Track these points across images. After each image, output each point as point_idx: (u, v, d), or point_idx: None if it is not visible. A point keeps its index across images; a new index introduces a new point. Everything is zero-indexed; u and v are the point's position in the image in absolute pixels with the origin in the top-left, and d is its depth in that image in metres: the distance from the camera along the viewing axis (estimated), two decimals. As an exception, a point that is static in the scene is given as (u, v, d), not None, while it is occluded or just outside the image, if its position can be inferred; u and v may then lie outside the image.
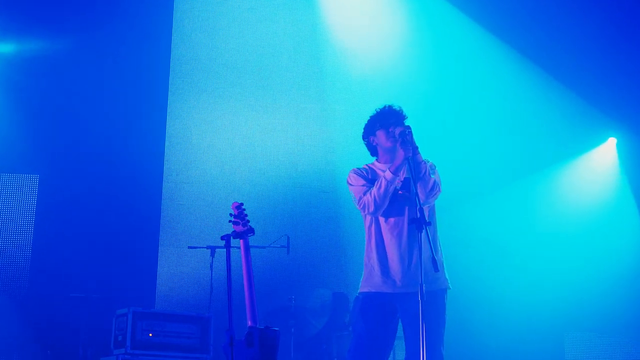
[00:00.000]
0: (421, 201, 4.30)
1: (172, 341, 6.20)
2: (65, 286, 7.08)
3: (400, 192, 4.47)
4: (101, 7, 7.95)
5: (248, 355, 4.28)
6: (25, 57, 7.67)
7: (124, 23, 7.89)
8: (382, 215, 4.50)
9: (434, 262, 4.05)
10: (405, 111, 4.66)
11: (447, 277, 4.49)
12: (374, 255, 4.51)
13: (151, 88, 7.94)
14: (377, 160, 4.73)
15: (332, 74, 8.57)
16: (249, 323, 4.37)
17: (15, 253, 7.39)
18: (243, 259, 4.48)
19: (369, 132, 4.70)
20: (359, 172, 4.62)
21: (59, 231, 7.35)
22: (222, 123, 8.16)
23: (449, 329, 4.47)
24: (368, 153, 4.79)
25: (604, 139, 9.19)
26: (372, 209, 4.44)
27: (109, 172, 7.59)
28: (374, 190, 4.43)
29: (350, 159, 7.79)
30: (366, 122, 4.73)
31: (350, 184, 4.60)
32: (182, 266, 7.71)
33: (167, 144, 7.94)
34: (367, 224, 4.59)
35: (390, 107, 4.66)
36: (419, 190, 4.32)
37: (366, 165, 4.71)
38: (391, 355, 6.71)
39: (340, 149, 8.27)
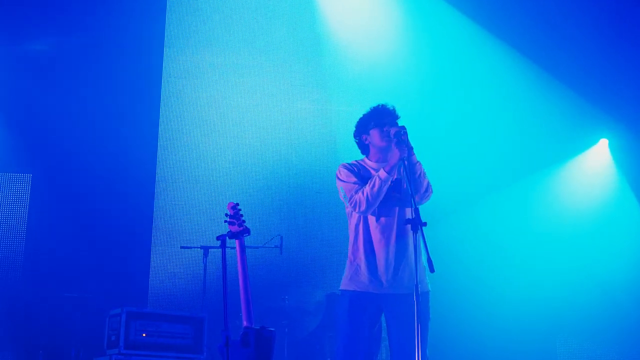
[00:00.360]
0: (415, 202, 4.32)
1: (165, 341, 6.18)
2: (58, 286, 7.06)
3: (393, 192, 4.47)
4: (92, 4, 7.93)
5: (244, 355, 4.28)
6: (16, 56, 7.63)
7: (115, 21, 7.86)
8: (372, 215, 4.49)
9: (430, 262, 4.07)
10: (403, 111, 4.68)
11: (427, 280, 4.51)
12: (360, 254, 4.51)
13: (144, 88, 7.91)
14: (367, 157, 4.72)
15: (328, 74, 8.57)
16: (245, 323, 4.37)
17: (8, 252, 7.36)
18: (239, 260, 4.47)
19: (362, 131, 4.69)
20: (349, 168, 4.61)
21: (51, 231, 7.33)
22: (215, 122, 8.14)
23: (445, 329, 4.48)
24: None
25: (595, 141, 9.19)
26: (363, 207, 4.43)
27: (102, 172, 7.57)
28: (367, 189, 4.42)
29: (345, 160, 7.80)
30: (358, 120, 4.73)
31: (341, 180, 4.59)
32: (174, 266, 7.70)
33: (159, 143, 7.93)
34: (354, 222, 4.58)
35: (384, 106, 4.66)
36: (413, 191, 4.33)
37: (355, 161, 4.71)
38: (383, 355, 6.73)
39: (334, 149, 8.27)
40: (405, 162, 4.37)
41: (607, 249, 8.56)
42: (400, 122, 4.58)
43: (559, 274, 8.53)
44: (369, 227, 4.52)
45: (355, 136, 4.75)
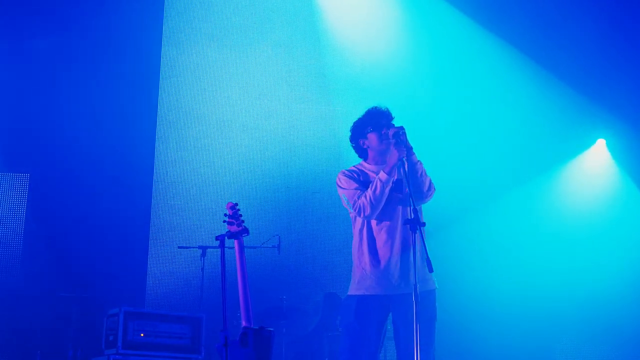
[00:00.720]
0: (418, 201, 4.32)
1: (163, 341, 6.18)
2: (55, 285, 7.04)
3: (395, 193, 4.47)
4: (91, 3, 7.93)
5: (242, 355, 4.28)
6: (13, 55, 7.62)
7: (112, 19, 7.85)
8: (375, 218, 4.49)
9: (428, 262, 4.08)
10: (402, 110, 4.67)
11: (434, 278, 4.51)
12: (365, 258, 4.50)
13: (141, 87, 7.90)
14: (365, 161, 4.71)
15: (326, 74, 8.56)
16: (244, 323, 4.36)
17: (6, 252, 7.35)
18: (237, 260, 4.47)
19: (358, 135, 4.67)
20: (349, 175, 4.59)
21: (49, 230, 7.32)
22: (213, 122, 8.14)
23: (445, 330, 4.49)
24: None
25: (592, 142, 9.17)
26: (368, 211, 4.43)
27: (100, 171, 7.55)
28: (369, 192, 4.41)
29: (342, 160, 7.80)
30: (353, 124, 4.71)
31: (342, 187, 4.57)
32: (172, 266, 7.69)
33: (157, 142, 7.92)
34: (358, 226, 4.57)
35: (378, 108, 4.64)
36: (416, 191, 4.33)
37: (354, 166, 4.69)
38: (382, 356, 6.73)
39: (332, 150, 8.27)
40: (406, 163, 4.36)
41: (615, 248, 8.52)
42: (399, 122, 4.56)
43: (568, 275, 8.46)
44: (372, 230, 4.52)
45: (351, 141, 4.73)
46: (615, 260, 8.48)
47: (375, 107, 4.64)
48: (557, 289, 8.45)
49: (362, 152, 4.70)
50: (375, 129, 4.58)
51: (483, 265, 8.41)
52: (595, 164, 9.08)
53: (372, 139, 4.61)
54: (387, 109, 4.62)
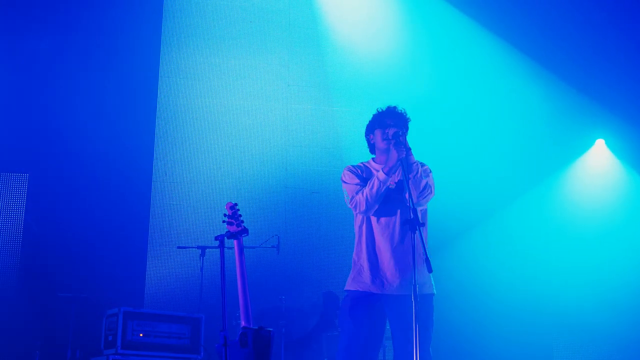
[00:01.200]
0: (414, 203, 4.31)
1: (162, 341, 6.19)
2: (54, 286, 7.03)
3: (396, 194, 4.47)
4: (90, 4, 7.92)
5: (242, 355, 4.27)
6: (12, 55, 7.61)
7: (112, 20, 7.87)
8: (374, 215, 4.52)
9: (427, 263, 4.07)
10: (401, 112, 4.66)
11: (432, 282, 4.51)
12: (363, 254, 4.53)
13: (140, 88, 7.91)
14: (373, 159, 4.74)
15: (327, 75, 8.55)
16: (243, 323, 4.36)
17: (5, 252, 7.34)
18: (237, 260, 4.46)
19: (369, 130, 4.74)
20: (353, 171, 4.65)
21: (48, 230, 7.31)
22: (212, 122, 8.14)
23: (446, 331, 4.46)
24: (359, 154, 4.82)
25: (591, 143, 9.14)
26: (363, 208, 4.47)
27: (99, 171, 7.56)
28: (366, 190, 4.45)
29: (342, 160, 7.81)
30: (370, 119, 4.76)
31: (344, 182, 4.63)
32: (171, 266, 7.68)
33: (156, 142, 7.92)
34: (358, 222, 4.61)
35: (390, 107, 4.67)
36: (412, 192, 4.33)
37: (362, 163, 4.74)
38: (381, 356, 6.73)
39: (331, 150, 8.26)
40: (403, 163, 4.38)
41: (627, 248, 8.48)
42: (407, 125, 4.60)
43: (579, 276, 8.44)
44: (372, 227, 4.54)
45: (365, 136, 4.78)
46: (628, 260, 8.45)
47: (389, 106, 4.67)
48: (568, 290, 8.43)
49: (371, 148, 4.76)
50: (380, 126, 4.62)
51: (488, 268, 8.36)
52: (599, 164, 9.03)
53: (377, 135, 4.65)
54: (402, 110, 4.63)
